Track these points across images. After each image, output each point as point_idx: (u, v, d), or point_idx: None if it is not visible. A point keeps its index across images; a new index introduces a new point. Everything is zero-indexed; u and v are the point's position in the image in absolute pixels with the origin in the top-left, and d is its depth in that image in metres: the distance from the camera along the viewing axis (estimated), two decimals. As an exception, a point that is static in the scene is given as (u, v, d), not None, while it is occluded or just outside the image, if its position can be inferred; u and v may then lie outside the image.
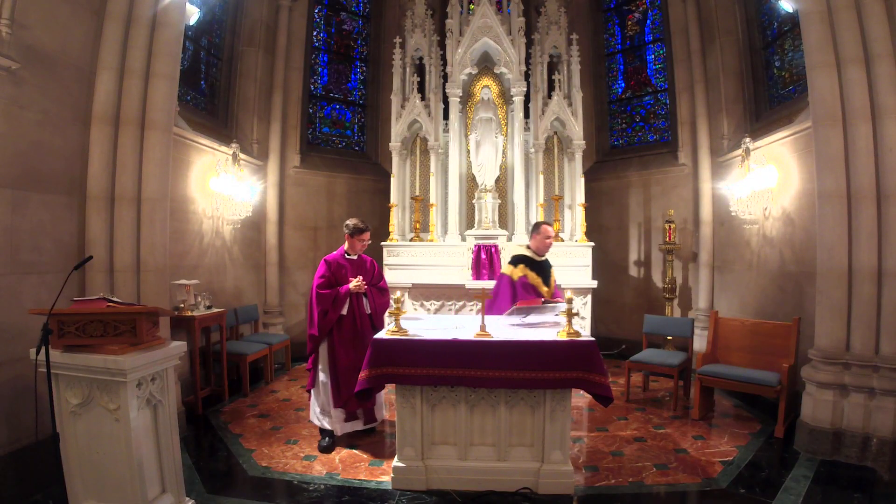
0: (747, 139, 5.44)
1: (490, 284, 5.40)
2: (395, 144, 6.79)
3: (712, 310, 6.10)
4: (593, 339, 3.25)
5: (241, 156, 6.15)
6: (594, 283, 6.14)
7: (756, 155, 5.29)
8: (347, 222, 4.27)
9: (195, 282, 5.15)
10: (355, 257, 4.31)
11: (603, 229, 7.52)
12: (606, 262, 7.40)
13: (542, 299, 4.05)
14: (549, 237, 4.43)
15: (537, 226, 4.53)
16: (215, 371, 5.37)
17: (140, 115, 3.89)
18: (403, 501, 3.19)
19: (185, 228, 5.32)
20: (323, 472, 3.60)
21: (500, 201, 6.64)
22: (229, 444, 4.09)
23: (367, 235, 4.28)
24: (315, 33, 7.73)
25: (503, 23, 6.51)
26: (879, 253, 3.68)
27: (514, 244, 6.19)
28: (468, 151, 6.76)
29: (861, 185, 3.72)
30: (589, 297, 6.08)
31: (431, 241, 6.51)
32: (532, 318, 3.80)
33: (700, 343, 5.91)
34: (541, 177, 6.62)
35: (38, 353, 2.24)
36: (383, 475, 3.51)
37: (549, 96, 6.63)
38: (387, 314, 4.16)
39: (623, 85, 7.98)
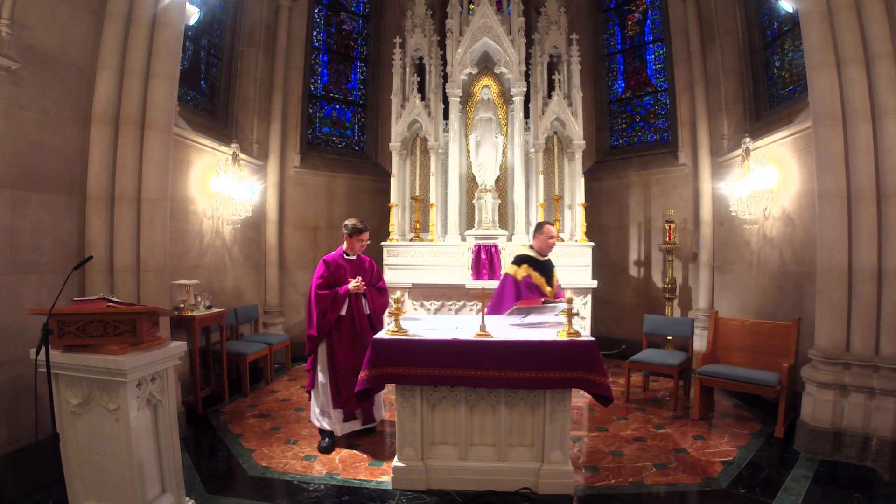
0: (747, 139, 5.44)
1: (490, 284, 5.41)
2: (395, 144, 6.79)
3: (712, 310, 6.10)
4: (593, 339, 3.25)
5: (241, 156, 6.15)
6: (594, 283, 6.14)
7: (756, 155, 5.29)
8: (346, 222, 4.27)
9: (195, 282, 5.15)
10: (354, 257, 4.30)
11: (603, 229, 7.52)
12: (606, 262, 7.40)
13: (543, 299, 4.05)
14: (552, 237, 4.44)
15: (540, 226, 4.53)
16: (215, 371, 5.37)
17: (140, 115, 3.89)
18: (403, 501, 3.19)
19: (185, 228, 5.32)
20: (323, 472, 3.60)
21: (500, 201, 6.64)
22: (229, 444, 4.09)
23: (365, 236, 4.27)
24: (315, 33, 7.73)
25: (503, 23, 6.51)
26: (879, 253, 3.68)
27: (514, 244, 6.20)
28: (468, 151, 6.76)
29: (861, 185, 3.72)
30: (589, 297, 6.08)
31: (431, 241, 6.51)
32: (532, 318, 3.80)
33: (700, 343, 5.92)
34: (541, 177, 6.62)
35: (38, 353, 2.24)
36: (383, 475, 3.51)
37: (549, 96, 6.63)
38: (387, 314, 4.16)
39: (623, 85, 7.98)
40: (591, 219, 6.72)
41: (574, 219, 6.67)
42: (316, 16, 7.74)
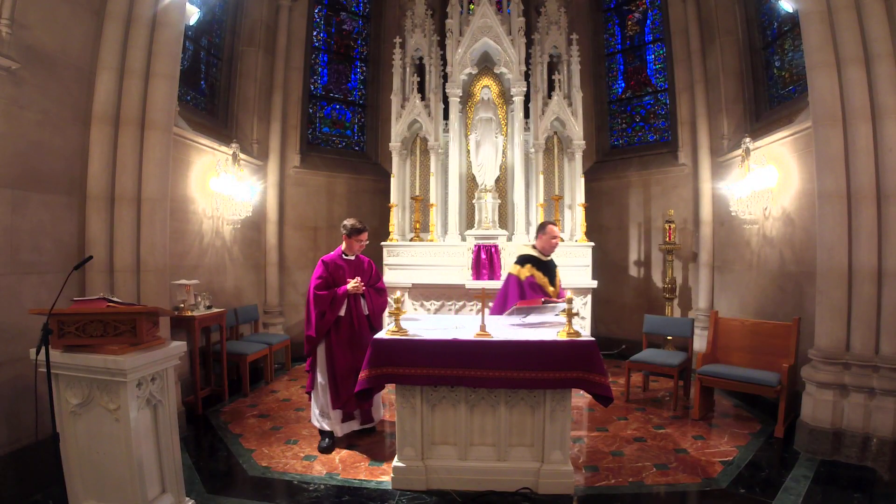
0: (747, 139, 5.44)
1: (490, 284, 5.41)
2: (395, 144, 6.79)
3: (712, 310, 6.10)
4: (593, 339, 3.25)
5: (241, 156, 6.15)
6: (594, 283, 6.14)
7: (756, 155, 5.29)
8: (345, 223, 4.25)
9: (195, 282, 5.15)
10: (353, 258, 4.29)
11: (603, 229, 7.52)
12: (606, 262, 7.40)
13: (543, 299, 4.05)
14: (555, 237, 4.44)
15: (543, 226, 4.52)
16: (215, 371, 5.37)
17: (140, 115, 3.89)
18: (403, 501, 3.19)
19: (185, 228, 5.32)
20: (323, 472, 3.60)
21: (500, 201, 6.64)
22: (229, 444, 4.09)
23: (364, 236, 4.26)
24: (315, 33, 7.73)
25: (503, 23, 6.51)
26: (879, 253, 3.68)
27: (513, 244, 6.20)
28: (468, 151, 6.76)
29: (861, 185, 3.72)
30: (589, 297, 6.08)
31: (431, 241, 6.51)
32: (532, 318, 3.80)
33: (700, 343, 5.92)
34: (541, 177, 6.62)
35: (38, 353, 2.24)
36: (383, 475, 3.51)
37: (549, 96, 6.63)
38: (387, 314, 4.15)
39: (623, 85, 7.98)
40: (591, 219, 6.72)
41: (574, 219, 6.67)
42: (316, 16, 7.74)
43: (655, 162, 7.31)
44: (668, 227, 6.52)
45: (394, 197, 6.69)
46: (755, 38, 6.13)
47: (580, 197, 6.55)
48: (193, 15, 4.77)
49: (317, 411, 4.15)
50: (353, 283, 4.07)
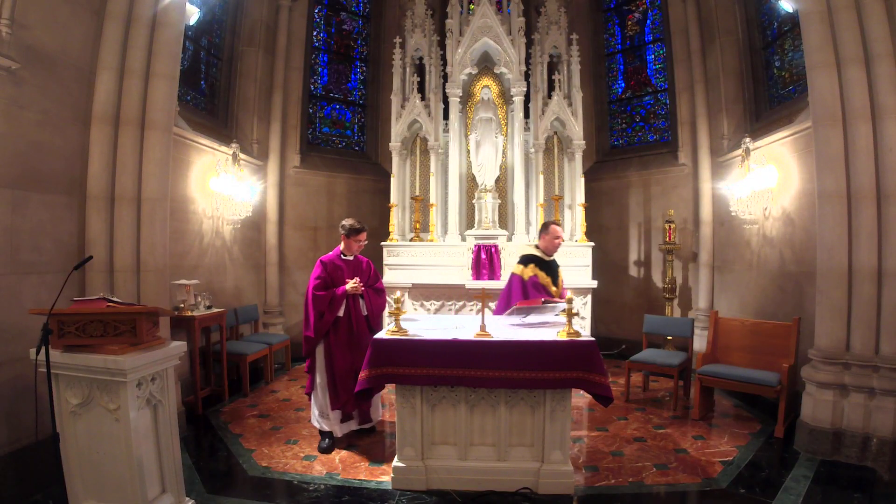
0: (747, 139, 5.44)
1: (490, 284, 5.41)
2: (395, 144, 6.79)
3: (712, 310, 6.10)
4: (593, 339, 3.25)
5: (241, 156, 6.15)
6: (594, 283, 6.14)
7: (756, 155, 5.29)
8: (343, 223, 4.24)
9: (195, 282, 5.15)
10: (351, 258, 4.28)
11: (603, 229, 7.52)
12: (606, 262, 7.40)
13: (543, 299, 4.04)
14: (558, 237, 4.43)
15: (546, 225, 4.52)
16: (215, 371, 5.37)
17: (140, 115, 3.89)
18: (403, 501, 3.19)
19: (185, 228, 5.32)
20: (323, 472, 3.60)
21: (500, 201, 6.64)
22: (229, 444, 4.09)
23: (363, 236, 4.25)
24: (315, 33, 7.73)
25: (503, 23, 6.51)
26: (879, 253, 3.68)
27: (514, 244, 6.20)
28: (468, 151, 6.76)
29: (861, 185, 3.72)
30: (589, 297, 6.08)
31: (431, 241, 6.51)
32: (532, 318, 3.80)
33: (700, 343, 5.92)
34: (541, 177, 6.62)
35: (38, 353, 2.24)
36: (383, 475, 3.51)
37: (549, 96, 6.63)
38: (387, 314, 4.15)
39: (623, 85, 7.98)
40: (591, 219, 6.72)
41: (574, 219, 6.67)
42: (316, 16, 7.74)
43: (655, 162, 7.31)
44: (668, 227, 6.52)
45: (394, 197, 6.69)
46: (755, 38, 6.13)
47: (580, 197, 6.55)
48: (193, 15, 4.77)
49: (316, 412, 4.14)
50: (351, 284, 4.06)
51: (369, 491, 3.32)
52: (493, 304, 4.44)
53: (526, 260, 4.40)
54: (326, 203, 7.50)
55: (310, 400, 4.25)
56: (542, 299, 3.93)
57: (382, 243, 6.49)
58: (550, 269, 4.42)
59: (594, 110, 8.00)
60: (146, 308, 2.66)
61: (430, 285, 6.22)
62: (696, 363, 4.77)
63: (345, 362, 4.04)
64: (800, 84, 5.35)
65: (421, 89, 6.81)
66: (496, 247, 6.15)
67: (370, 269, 4.35)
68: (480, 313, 3.39)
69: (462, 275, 6.17)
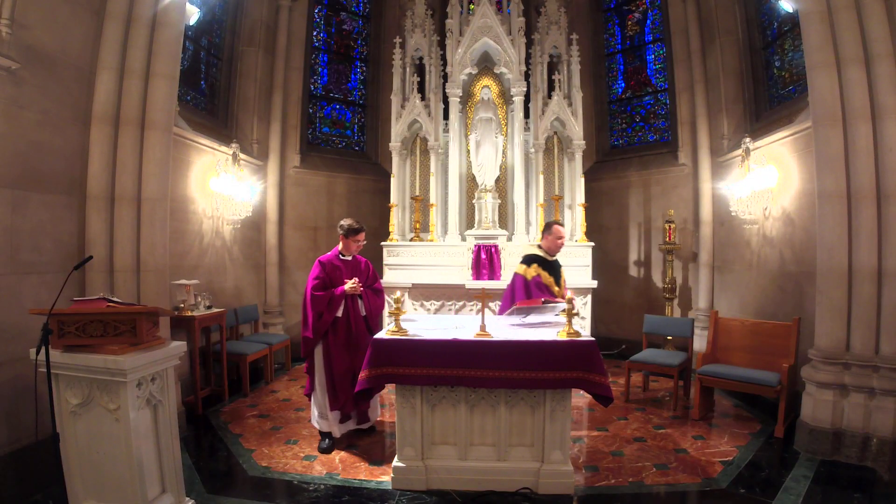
0: (747, 139, 5.44)
1: (490, 284, 5.41)
2: (395, 144, 6.78)
3: (712, 310, 6.10)
4: (593, 339, 3.25)
5: (241, 156, 6.15)
6: (594, 283, 6.14)
7: (756, 155, 5.29)
8: (342, 223, 4.23)
9: (195, 282, 5.15)
10: (350, 258, 4.27)
11: (603, 229, 7.52)
12: (606, 262, 7.40)
13: (543, 299, 4.05)
14: (560, 237, 4.44)
15: (549, 225, 4.52)
16: (215, 371, 5.37)
17: (140, 115, 3.89)
18: (403, 501, 3.19)
19: (185, 228, 5.32)
20: (323, 472, 3.60)
21: (500, 201, 6.64)
22: (229, 444, 4.09)
23: (362, 236, 4.24)
24: (315, 33, 7.73)
25: (503, 23, 6.50)
26: (879, 253, 3.68)
27: (514, 244, 6.20)
28: (468, 151, 6.76)
29: (861, 185, 3.72)
30: (589, 297, 6.08)
31: (431, 241, 6.50)
32: (532, 318, 3.80)
33: (700, 343, 5.92)
34: (541, 177, 6.62)
35: (38, 353, 2.24)
36: (383, 475, 3.51)
37: (549, 96, 6.62)
38: (387, 314, 4.14)
39: (623, 85, 7.98)
40: (591, 219, 6.71)
41: (574, 219, 6.67)
42: (316, 16, 7.74)
43: (655, 162, 7.31)
44: (668, 227, 6.52)
45: (394, 197, 6.69)
46: (755, 38, 6.13)
47: (580, 197, 6.55)
48: (193, 15, 4.78)
49: (316, 413, 4.14)
50: (350, 284, 4.06)
51: (369, 491, 3.32)
52: (493, 304, 4.44)
53: (529, 260, 4.41)
54: (326, 203, 7.50)
55: (310, 401, 4.25)
56: (543, 299, 3.94)
57: (382, 243, 6.49)
58: (553, 269, 4.43)
59: (594, 110, 8.00)
60: (146, 308, 2.66)
61: (430, 285, 6.21)
62: (696, 363, 4.77)
63: (343, 363, 4.03)
64: (800, 84, 5.35)
65: (421, 89, 6.81)
66: (496, 247, 6.15)
67: (369, 269, 4.34)
68: (480, 313, 3.39)
69: (462, 275, 6.17)
